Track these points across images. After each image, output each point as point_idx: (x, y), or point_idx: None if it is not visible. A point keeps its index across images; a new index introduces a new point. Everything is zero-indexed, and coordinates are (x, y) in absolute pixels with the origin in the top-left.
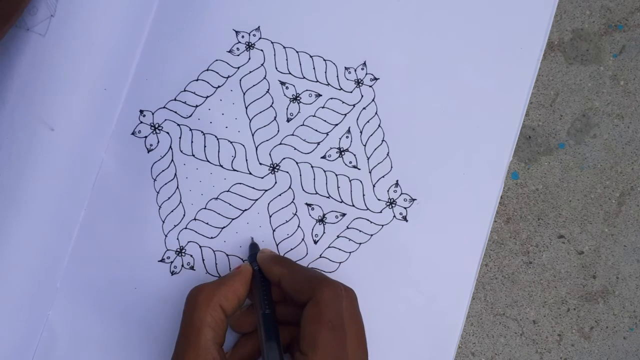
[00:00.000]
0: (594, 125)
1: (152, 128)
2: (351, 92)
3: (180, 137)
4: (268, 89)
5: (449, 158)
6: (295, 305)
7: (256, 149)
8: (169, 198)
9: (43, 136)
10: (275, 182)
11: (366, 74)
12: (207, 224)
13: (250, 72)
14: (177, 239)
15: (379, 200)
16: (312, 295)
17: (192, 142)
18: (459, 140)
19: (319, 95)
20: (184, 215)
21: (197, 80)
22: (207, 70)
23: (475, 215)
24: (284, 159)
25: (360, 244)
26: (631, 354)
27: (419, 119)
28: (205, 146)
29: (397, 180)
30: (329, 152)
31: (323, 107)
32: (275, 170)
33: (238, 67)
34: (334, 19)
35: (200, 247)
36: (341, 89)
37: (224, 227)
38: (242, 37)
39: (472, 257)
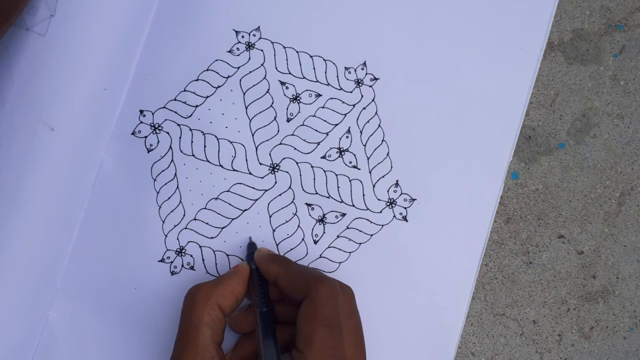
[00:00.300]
0: (594, 125)
1: (152, 128)
2: (351, 92)
3: (180, 137)
4: (268, 89)
5: (449, 158)
6: (293, 304)
7: (256, 149)
8: (169, 198)
9: (43, 136)
10: (275, 182)
11: (366, 74)
12: (207, 224)
13: (250, 72)
14: (177, 239)
15: (379, 200)
16: (308, 293)
17: (192, 142)
18: (459, 140)
19: (319, 95)
20: (184, 215)
21: (197, 80)
22: (207, 70)
23: (475, 215)
24: (284, 159)
25: (360, 244)
26: (631, 354)
27: (419, 119)
28: (205, 146)
29: (397, 180)
30: (329, 152)
31: (323, 107)
32: (275, 170)
33: (238, 67)
34: (334, 19)
35: (200, 247)
36: (341, 89)
37: (224, 227)
38: (242, 37)
39: (472, 257)
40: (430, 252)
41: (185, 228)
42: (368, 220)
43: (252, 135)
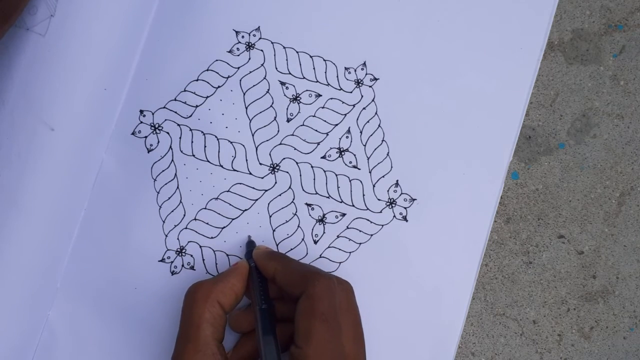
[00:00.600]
0: (594, 125)
1: (152, 128)
2: (351, 92)
3: (180, 137)
4: (268, 89)
5: (449, 158)
6: (292, 301)
7: (256, 149)
8: (169, 198)
9: (43, 136)
10: (275, 182)
11: (366, 74)
12: (208, 224)
13: (250, 72)
14: (178, 239)
15: (379, 200)
16: (305, 288)
17: (192, 142)
18: (459, 140)
19: (319, 95)
20: (184, 215)
21: (197, 80)
22: (207, 70)
23: (475, 215)
24: (284, 159)
25: (360, 244)
26: (631, 354)
27: (419, 119)
28: (205, 146)
29: (397, 180)
30: (329, 152)
31: (323, 107)
32: (275, 170)
33: (238, 67)
34: (334, 19)
35: (200, 247)
36: (341, 89)
37: (224, 227)
38: (242, 37)
39: (472, 257)
40: (430, 252)
41: (186, 228)
42: (368, 220)
43: (252, 136)
